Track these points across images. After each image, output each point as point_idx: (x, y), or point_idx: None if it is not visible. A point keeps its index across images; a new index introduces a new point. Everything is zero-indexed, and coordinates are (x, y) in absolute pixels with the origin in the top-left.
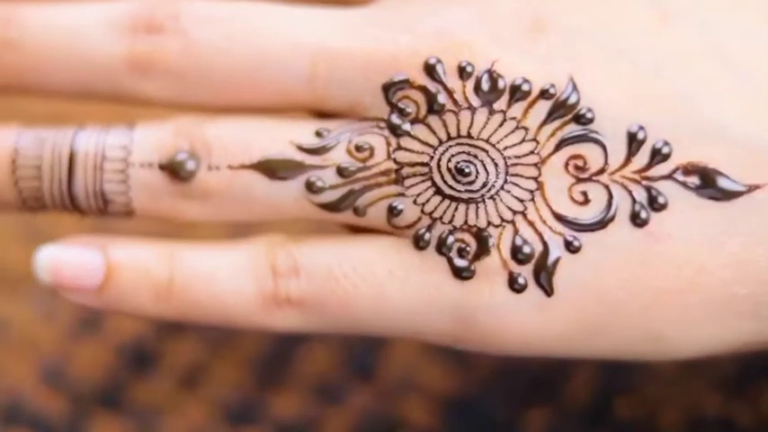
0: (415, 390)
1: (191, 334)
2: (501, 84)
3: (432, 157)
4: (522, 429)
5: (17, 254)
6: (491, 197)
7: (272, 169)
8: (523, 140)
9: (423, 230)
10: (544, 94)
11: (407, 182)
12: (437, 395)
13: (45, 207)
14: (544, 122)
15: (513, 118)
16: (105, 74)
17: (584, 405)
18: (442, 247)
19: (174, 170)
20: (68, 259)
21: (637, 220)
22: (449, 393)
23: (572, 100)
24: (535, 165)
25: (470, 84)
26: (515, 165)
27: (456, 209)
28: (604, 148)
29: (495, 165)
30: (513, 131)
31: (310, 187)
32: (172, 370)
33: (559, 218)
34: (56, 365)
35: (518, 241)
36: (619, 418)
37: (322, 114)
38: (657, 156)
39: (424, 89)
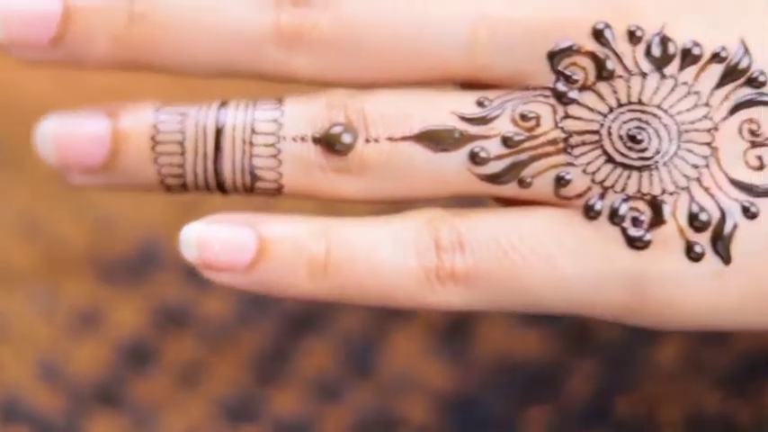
0: (415, 387)
1: (189, 331)
2: (671, 48)
3: (602, 125)
4: (521, 427)
5: (15, 250)
6: (664, 164)
7: (436, 140)
8: (696, 105)
9: (594, 200)
10: (715, 57)
11: (576, 150)
12: (436, 393)
13: (185, 186)
14: (717, 87)
15: (685, 83)
16: (248, 48)
17: (583, 403)
18: (614, 217)
19: (329, 143)
20: (217, 235)
21: None
22: (448, 391)
23: (744, 63)
24: (708, 130)
25: (641, 48)
26: (688, 131)
27: (629, 177)
28: None
29: (668, 131)
30: (685, 96)
31: (474, 158)
32: (170, 367)
33: (735, 183)
34: (54, 362)
35: (694, 208)
36: (618, 416)
37: (473, 86)
38: None
39: (592, 55)
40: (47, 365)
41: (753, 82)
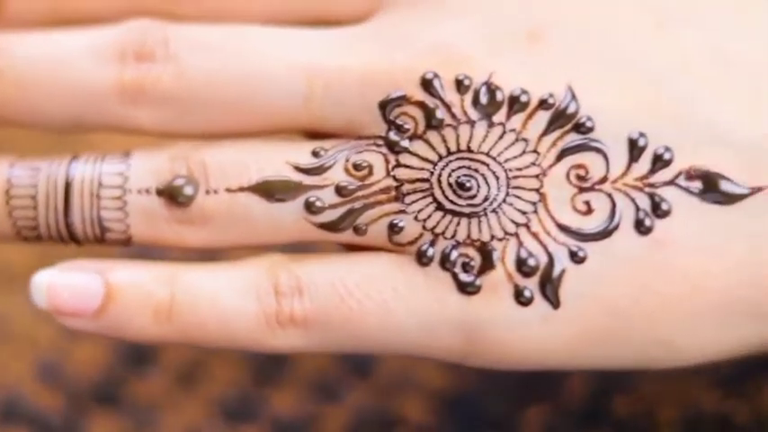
0: (413, 387)
1: None
2: (499, 96)
3: (432, 173)
4: (519, 427)
5: (15, 251)
6: (493, 210)
7: (270, 191)
8: (524, 152)
9: (425, 246)
10: (543, 104)
11: (408, 198)
12: (434, 392)
13: (40, 237)
14: (544, 133)
15: (513, 130)
16: (96, 103)
17: (581, 403)
18: (445, 263)
19: (171, 195)
20: (65, 282)
21: (641, 228)
22: (446, 391)
23: (571, 109)
24: (537, 176)
25: (468, 97)
26: (517, 177)
27: (458, 224)
28: (606, 156)
29: (497, 178)
30: (513, 143)
31: (309, 207)
32: (169, 367)
33: (563, 228)
34: (54, 362)
35: (523, 254)
36: (616, 415)
37: (318, 135)
38: (659, 162)
39: (421, 105)
40: (46, 366)
41: (580, 128)
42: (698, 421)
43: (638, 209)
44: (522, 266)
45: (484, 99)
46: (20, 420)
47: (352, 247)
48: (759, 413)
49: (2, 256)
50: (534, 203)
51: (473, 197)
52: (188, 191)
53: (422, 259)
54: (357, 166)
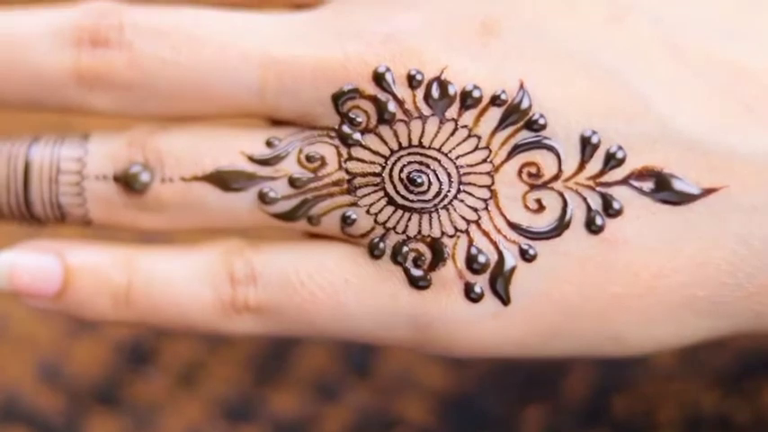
0: (412, 387)
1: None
2: (451, 91)
3: (383, 167)
4: (519, 427)
5: None
6: (444, 207)
7: (224, 181)
8: (476, 149)
9: (377, 240)
10: (495, 100)
11: (360, 192)
12: (434, 392)
13: (3, 216)
14: (496, 129)
15: (465, 126)
16: (52, 87)
17: (581, 402)
18: (397, 257)
19: (128, 183)
20: (25, 264)
21: (592, 227)
22: (446, 391)
23: (524, 105)
24: (488, 173)
25: (420, 92)
26: (468, 174)
27: (409, 219)
28: (558, 154)
29: (448, 174)
30: (465, 140)
31: (263, 198)
32: (169, 367)
33: (514, 226)
34: (54, 363)
35: (473, 251)
36: (616, 415)
37: (277, 120)
38: (612, 160)
39: (373, 99)
40: (46, 366)
41: (533, 125)
42: (697, 421)
43: (589, 208)
44: (472, 263)
45: (435, 94)
46: (20, 420)
47: (318, 233)
48: (759, 413)
49: None
50: (485, 201)
51: (424, 193)
52: (144, 178)
53: (373, 252)
54: (310, 158)
